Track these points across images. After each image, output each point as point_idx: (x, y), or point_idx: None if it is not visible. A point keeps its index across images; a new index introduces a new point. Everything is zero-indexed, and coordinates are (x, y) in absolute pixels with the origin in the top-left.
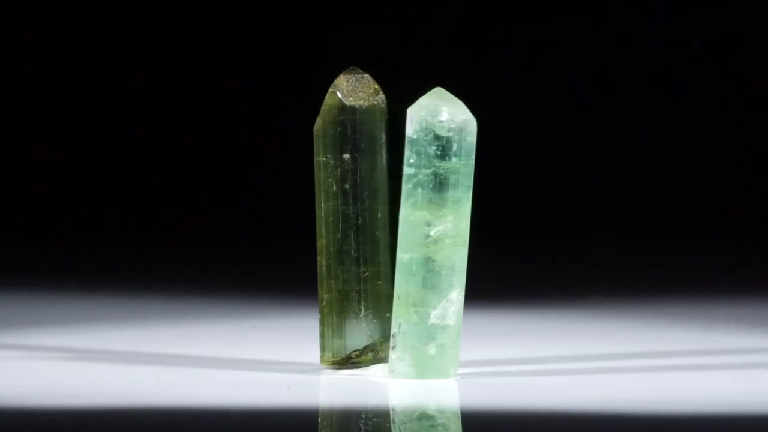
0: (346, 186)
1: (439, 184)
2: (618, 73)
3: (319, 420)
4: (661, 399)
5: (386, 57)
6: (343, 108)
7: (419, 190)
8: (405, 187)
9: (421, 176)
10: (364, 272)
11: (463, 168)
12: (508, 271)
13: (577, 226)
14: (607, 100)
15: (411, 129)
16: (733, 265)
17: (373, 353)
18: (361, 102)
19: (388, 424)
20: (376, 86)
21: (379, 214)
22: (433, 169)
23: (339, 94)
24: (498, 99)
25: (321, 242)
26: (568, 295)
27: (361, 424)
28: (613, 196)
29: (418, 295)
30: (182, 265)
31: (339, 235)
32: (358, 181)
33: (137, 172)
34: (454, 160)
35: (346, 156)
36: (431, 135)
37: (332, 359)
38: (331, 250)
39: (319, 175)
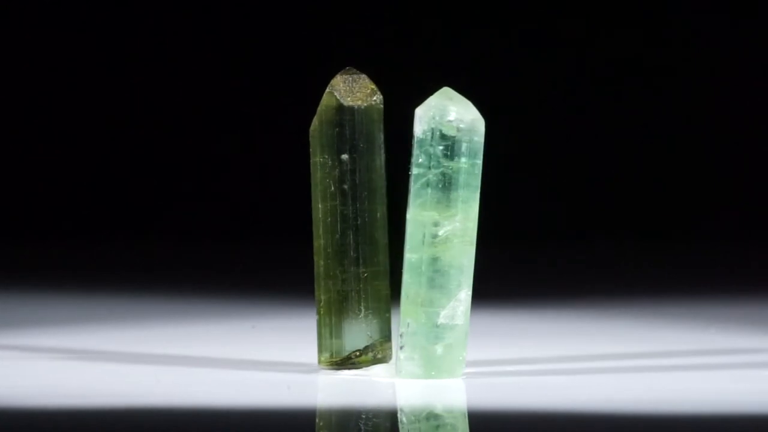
0: (345, 186)
1: (448, 184)
2: (617, 73)
3: (317, 420)
4: (661, 399)
5: (382, 57)
6: (341, 108)
7: (428, 190)
8: (413, 187)
9: (430, 176)
10: (364, 272)
11: (471, 168)
12: (507, 271)
13: (577, 226)
14: (607, 101)
15: (419, 129)
16: (733, 265)
17: (373, 353)
18: (359, 102)
19: (392, 425)
20: (373, 86)
21: (378, 215)
22: (441, 169)
23: (336, 95)
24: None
25: (318, 243)
26: (568, 295)
27: (361, 425)
28: (613, 196)
29: (426, 295)
30: (182, 265)
31: (337, 236)
32: (357, 181)
33: (137, 172)
34: (462, 159)
35: (345, 156)
36: (440, 135)
37: (331, 360)
38: (329, 250)
39: (316, 175)
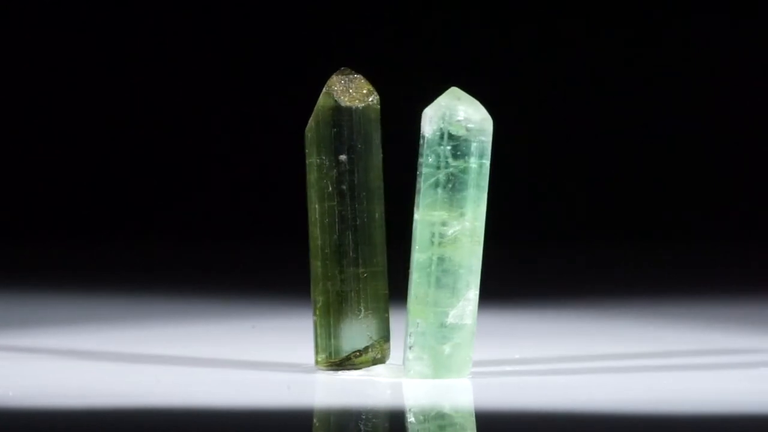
0: (343, 187)
1: (458, 184)
2: (617, 73)
3: (317, 421)
4: (661, 399)
5: (377, 57)
6: (338, 109)
7: (437, 190)
8: (422, 187)
9: (439, 176)
10: (363, 273)
11: (479, 168)
12: (507, 271)
13: (577, 226)
14: (607, 101)
15: (429, 129)
16: (733, 265)
17: (372, 354)
18: (356, 103)
19: (392, 425)
20: (369, 86)
21: (376, 215)
22: (451, 169)
23: (334, 95)
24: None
25: (315, 243)
26: (568, 295)
27: (361, 425)
28: (613, 196)
29: (436, 295)
30: (182, 265)
31: (336, 236)
32: (355, 182)
33: (137, 172)
34: (471, 159)
35: (343, 157)
36: (449, 135)
37: (330, 361)
38: (326, 251)
39: (313, 176)
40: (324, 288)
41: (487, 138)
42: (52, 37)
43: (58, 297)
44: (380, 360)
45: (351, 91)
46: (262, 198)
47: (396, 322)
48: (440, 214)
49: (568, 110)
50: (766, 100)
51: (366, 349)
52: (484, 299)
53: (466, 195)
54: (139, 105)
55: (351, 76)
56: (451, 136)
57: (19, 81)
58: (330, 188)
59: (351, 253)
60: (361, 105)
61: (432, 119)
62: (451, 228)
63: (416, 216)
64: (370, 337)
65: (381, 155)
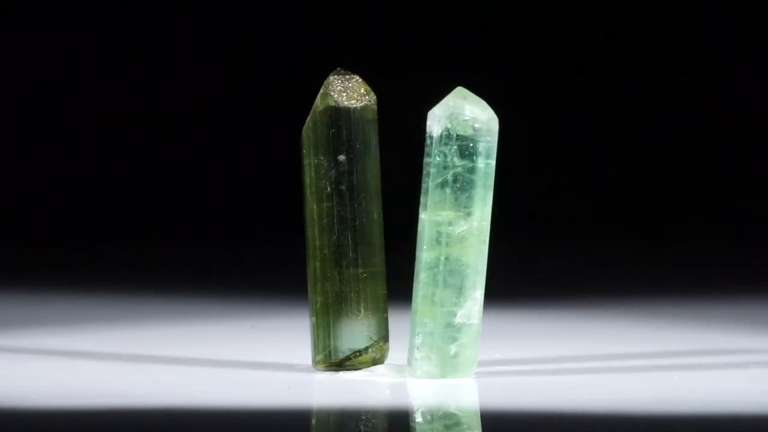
0: (342, 187)
1: (466, 183)
2: (617, 73)
3: (316, 421)
4: (662, 399)
5: (372, 57)
6: (337, 110)
7: (446, 190)
8: (430, 186)
9: (448, 176)
10: (363, 273)
11: (486, 167)
12: (507, 271)
13: (577, 226)
14: (607, 101)
15: (437, 129)
16: (733, 265)
17: (372, 354)
18: (354, 103)
19: (392, 426)
20: (366, 86)
21: (374, 215)
22: (459, 169)
23: (332, 96)
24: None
25: (314, 244)
26: (568, 295)
27: (361, 425)
28: (613, 196)
29: (444, 295)
30: (182, 265)
31: (335, 237)
32: (354, 182)
33: (137, 172)
34: (479, 159)
35: (342, 157)
36: (457, 135)
37: (330, 362)
38: (325, 251)
39: (310, 176)
40: (323, 288)
41: (494, 138)
42: (52, 37)
43: (58, 297)
44: (379, 360)
45: (348, 92)
46: (262, 198)
47: (394, 322)
48: (448, 214)
49: (568, 110)
50: (766, 100)
51: (366, 349)
52: (484, 299)
53: (473, 195)
54: (139, 105)
55: (348, 77)
56: (459, 136)
57: (19, 81)
58: (329, 189)
59: (350, 254)
60: (359, 105)
61: (440, 119)
62: (459, 228)
63: (423, 216)
64: (370, 338)
65: (378, 155)
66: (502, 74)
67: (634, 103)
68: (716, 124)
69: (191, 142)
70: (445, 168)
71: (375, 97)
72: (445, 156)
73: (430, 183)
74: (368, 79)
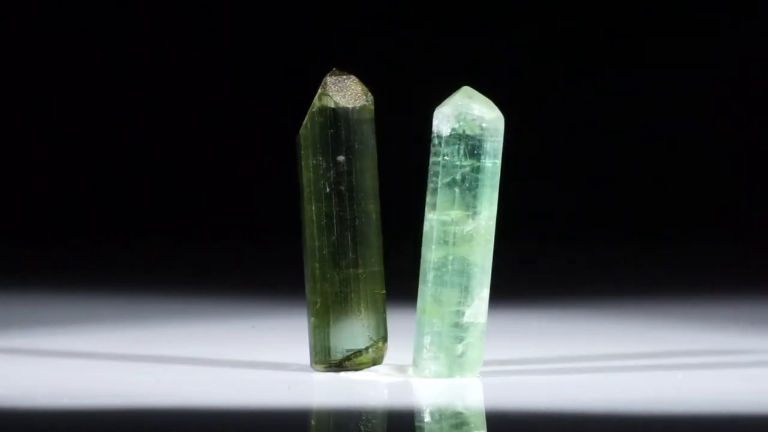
0: (342, 188)
1: (474, 182)
2: (617, 73)
3: (317, 421)
4: (662, 399)
5: (374, 57)
6: (335, 110)
7: (455, 189)
8: (439, 186)
9: (456, 175)
10: (363, 273)
11: (493, 166)
12: (507, 271)
13: (577, 226)
14: (607, 101)
15: (445, 128)
16: (733, 265)
17: (372, 354)
18: (352, 103)
19: (392, 426)
20: (363, 86)
21: (373, 215)
22: (468, 168)
23: (331, 97)
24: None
25: (312, 245)
26: (568, 295)
27: (361, 425)
28: (613, 196)
29: (452, 294)
30: (182, 265)
31: (334, 237)
32: (354, 182)
33: (137, 172)
34: (487, 158)
35: (341, 158)
36: (465, 134)
37: (330, 362)
38: (324, 252)
39: (308, 177)
40: (322, 289)
41: (500, 137)
42: (52, 37)
43: (58, 297)
44: (378, 360)
45: (346, 92)
46: (262, 198)
47: (393, 322)
48: (456, 214)
49: (568, 110)
50: (766, 100)
51: (366, 349)
52: None
53: (481, 194)
54: (139, 105)
55: (344, 77)
56: (467, 135)
57: (19, 81)
58: (327, 189)
59: (350, 254)
60: (357, 105)
61: (448, 118)
62: (467, 227)
63: (431, 215)
64: (370, 338)
65: (376, 155)
66: (502, 74)
67: (634, 103)
68: (716, 124)
69: (191, 142)
70: (453, 167)
71: (372, 96)
72: (454, 155)
73: (438, 182)
74: (368, 79)
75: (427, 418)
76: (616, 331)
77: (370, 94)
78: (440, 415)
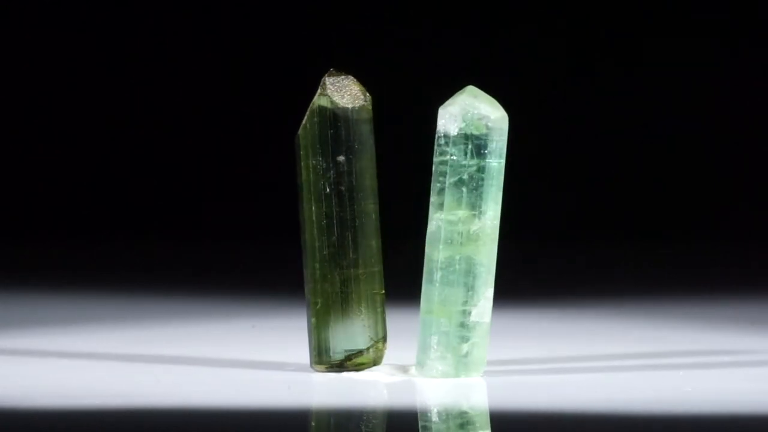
0: (342, 188)
1: (481, 182)
2: (617, 73)
3: (317, 421)
4: (662, 399)
5: (373, 57)
6: (335, 110)
7: (462, 189)
8: (446, 185)
9: (464, 175)
10: (363, 274)
11: (499, 165)
12: (507, 271)
13: (577, 226)
14: (607, 101)
15: (453, 127)
16: (733, 265)
17: (373, 354)
18: (351, 103)
19: (392, 425)
20: (361, 86)
21: (372, 215)
22: (474, 168)
23: (331, 97)
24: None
25: (312, 245)
26: (568, 295)
27: (362, 425)
28: (613, 196)
29: (458, 294)
30: (182, 265)
31: (334, 238)
32: (354, 182)
33: (137, 172)
34: (493, 157)
35: (341, 158)
36: (472, 133)
37: (331, 362)
38: (324, 252)
39: (308, 178)
40: (323, 290)
41: (505, 136)
42: (52, 37)
43: (58, 297)
44: (378, 360)
45: (345, 92)
46: (262, 198)
47: (391, 322)
48: (463, 213)
49: (568, 110)
50: (766, 100)
51: (367, 350)
52: None
53: (487, 194)
54: (139, 105)
55: (342, 77)
56: (474, 135)
57: (19, 81)
58: (327, 190)
59: (351, 255)
60: (356, 105)
61: (455, 117)
62: (474, 226)
63: (437, 215)
64: (371, 338)
65: (375, 155)
66: (501, 74)
67: (634, 103)
68: (716, 124)
69: (191, 142)
70: (461, 167)
71: (369, 96)
72: (461, 155)
73: (446, 182)
74: (367, 79)
75: (433, 418)
76: (616, 331)
77: (367, 93)
78: (446, 415)
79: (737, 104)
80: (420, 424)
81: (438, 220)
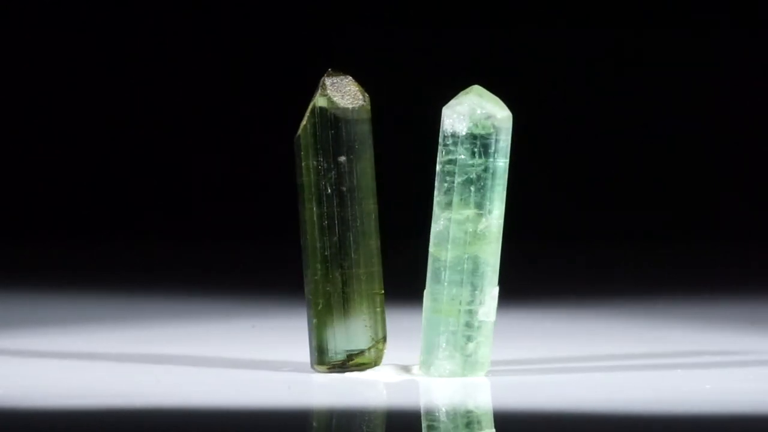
0: (343, 188)
1: (488, 181)
2: (617, 73)
3: (317, 421)
4: (662, 399)
5: (373, 57)
6: (336, 111)
7: (471, 188)
8: (455, 184)
9: (472, 174)
10: (364, 274)
11: (504, 165)
12: (507, 271)
13: (577, 226)
14: (607, 101)
15: (461, 126)
16: (733, 265)
17: (374, 354)
18: (352, 104)
19: (391, 426)
20: (359, 86)
21: (372, 216)
22: (481, 167)
23: (332, 97)
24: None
25: (314, 245)
26: (568, 295)
27: (363, 425)
28: (613, 196)
29: (467, 293)
30: (182, 265)
31: (336, 238)
32: (355, 183)
33: (137, 172)
34: (499, 157)
35: (342, 158)
36: (480, 133)
37: (332, 363)
38: (326, 253)
39: (309, 178)
40: (324, 290)
41: (509, 136)
42: (52, 37)
43: (58, 297)
44: (378, 360)
45: (344, 93)
46: (262, 198)
47: (390, 321)
48: (472, 212)
49: (568, 110)
50: (766, 100)
51: (369, 349)
52: None
53: (493, 193)
54: (139, 105)
55: (341, 77)
56: (481, 135)
57: (19, 81)
58: (329, 190)
59: (352, 255)
60: (355, 106)
61: (463, 117)
62: (481, 226)
63: (445, 214)
64: (372, 338)
65: (373, 155)
66: (501, 74)
67: (634, 103)
68: (716, 124)
69: (191, 142)
70: (470, 166)
71: (368, 96)
72: (469, 154)
73: (454, 181)
74: (367, 80)
75: (439, 418)
76: (616, 331)
77: (366, 93)
78: (454, 414)
79: (737, 104)
80: (426, 423)
81: (445, 220)
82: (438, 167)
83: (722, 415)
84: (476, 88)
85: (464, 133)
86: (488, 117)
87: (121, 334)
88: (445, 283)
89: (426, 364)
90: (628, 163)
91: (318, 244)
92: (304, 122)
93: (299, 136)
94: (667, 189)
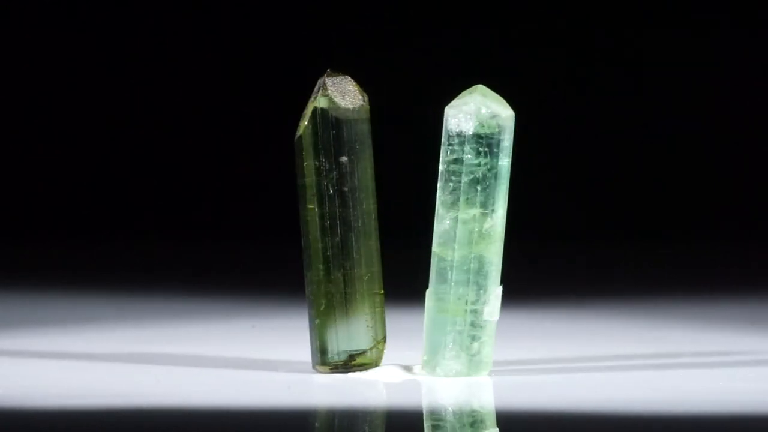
0: (345, 189)
1: (493, 180)
2: (617, 73)
3: (317, 420)
4: (662, 399)
5: (373, 57)
6: (337, 111)
7: (476, 188)
8: (462, 183)
9: (478, 173)
10: (366, 274)
11: (508, 164)
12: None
13: (577, 226)
14: (607, 101)
15: (467, 126)
16: (733, 265)
17: (376, 354)
18: (352, 104)
19: (392, 425)
20: (358, 86)
21: (373, 216)
22: (487, 167)
23: (332, 98)
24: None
25: (316, 246)
26: (568, 295)
27: (364, 425)
28: (613, 196)
29: (473, 293)
30: (182, 265)
31: (338, 239)
32: (356, 183)
33: (137, 172)
34: (503, 156)
35: (344, 159)
36: (485, 132)
37: (335, 363)
38: (328, 254)
39: (310, 179)
40: (327, 290)
41: (512, 135)
42: (52, 37)
43: (58, 297)
44: (378, 361)
45: (345, 93)
46: (262, 198)
47: (390, 321)
48: (478, 212)
49: (568, 110)
50: (766, 100)
51: (370, 349)
52: None
53: (498, 192)
54: (139, 105)
55: (341, 78)
56: (486, 134)
57: (19, 81)
58: (330, 191)
59: (354, 255)
60: (356, 106)
61: (468, 117)
62: (486, 225)
63: (450, 214)
64: (373, 338)
65: (372, 155)
66: (500, 74)
67: (634, 103)
68: (716, 124)
69: (191, 142)
70: (476, 166)
71: (367, 96)
72: (475, 154)
73: (461, 181)
74: (367, 80)
75: (445, 417)
76: (616, 331)
77: (365, 93)
78: (459, 414)
79: (737, 104)
80: (431, 423)
81: (451, 219)
82: (442, 167)
83: (722, 415)
84: (480, 88)
85: (470, 133)
86: (493, 116)
87: (121, 334)
88: (452, 283)
89: (431, 365)
90: (628, 163)
91: (320, 245)
92: (304, 123)
93: (300, 136)
94: (667, 189)
